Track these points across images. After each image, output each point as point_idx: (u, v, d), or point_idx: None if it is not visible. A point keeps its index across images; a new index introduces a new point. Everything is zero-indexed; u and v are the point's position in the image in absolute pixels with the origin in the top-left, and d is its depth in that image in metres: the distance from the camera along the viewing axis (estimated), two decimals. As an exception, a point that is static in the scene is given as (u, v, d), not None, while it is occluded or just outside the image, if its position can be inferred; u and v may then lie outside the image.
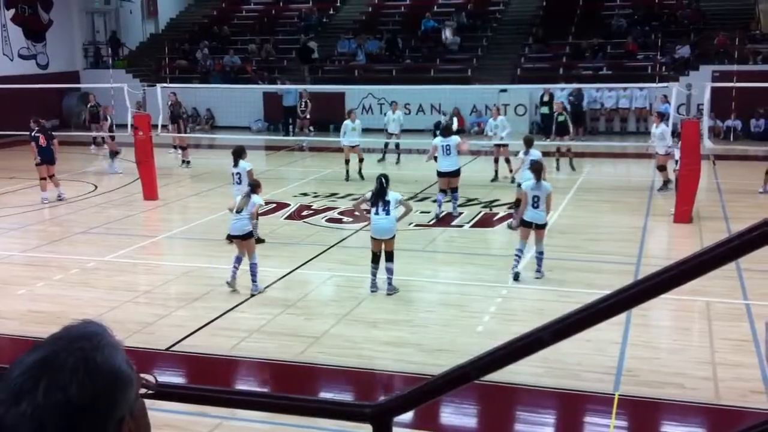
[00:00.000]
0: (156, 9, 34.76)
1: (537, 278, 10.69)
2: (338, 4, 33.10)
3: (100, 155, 23.13)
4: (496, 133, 17.65)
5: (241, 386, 7.85)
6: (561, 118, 18.69)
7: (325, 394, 7.66)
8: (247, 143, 14.87)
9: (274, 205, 15.28)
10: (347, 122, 18.25)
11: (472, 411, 7.32)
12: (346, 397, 7.76)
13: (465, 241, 13.18)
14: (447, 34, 28.62)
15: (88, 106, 24.18)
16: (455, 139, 14.51)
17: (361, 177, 17.63)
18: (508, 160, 17.34)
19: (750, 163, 19.08)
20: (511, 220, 13.70)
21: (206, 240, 13.15)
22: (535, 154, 13.02)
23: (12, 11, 27.58)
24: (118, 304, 9.96)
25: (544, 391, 7.47)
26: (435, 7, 31.05)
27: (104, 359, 1.17)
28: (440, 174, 14.37)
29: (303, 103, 24.16)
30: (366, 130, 19.60)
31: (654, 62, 25.62)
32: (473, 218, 14.41)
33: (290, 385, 7.82)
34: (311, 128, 24.65)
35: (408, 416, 6.22)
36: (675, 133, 15.88)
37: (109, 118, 20.33)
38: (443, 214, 14.23)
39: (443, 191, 14.42)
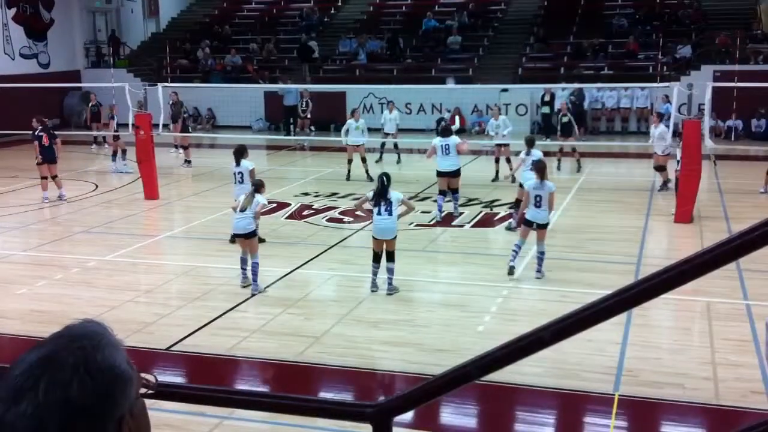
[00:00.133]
0: (157, 8, 34.77)
1: (538, 278, 10.69)
2: (339, 4, 33.10)
3: (101, 154, 23.15)
4: (497, 133, 17.64)
5: (242, 386, 7.85)
6: (565, 119, 18.68)
7: (325, 394, 7.67)
8: (248, 143, 14.85)
9: (275, 204, 15.27)
10: (351, 121, 18.20)
11: (472, 411, 7.33)
12: (346, 397, 7.76)
13: (466, 240, 13.17)
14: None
15: (89, 105, 24.19)
16: (455, 139, 14.48)
17: (369, 178, 17.24)
18: (509, 160, 17.31)
19: (751, 163, 19.08)
20: (510, 220, 13.70)
21: (207, 239, 13.16)
22: (537, 154, 13.01)
23: (13, 10, 27.58)
24: (118, 304, 9.97)
25: (544, 391, 7.47)
26: (436, 6, 31.05)
27: (104, 358, 1.17)
28: (440, 174, 14.34)
29: (304, 103, 24.16)
30: (367, 130, 19.55)
31: (655, 62, 25.63)
32: (474, 218, 14.41)
33: (290, 385, 7.82)
34: (312, 128, 24.65)
35: (408, 416, 6.22)
36: (676, 133, 15.87)
37: (116, 117, 20.40)
38: (444, 214, 14.21)
39: (443, 193, 14.36)
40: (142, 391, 1.25)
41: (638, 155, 20.92)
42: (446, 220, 14.12)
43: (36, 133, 16.45)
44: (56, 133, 17.21)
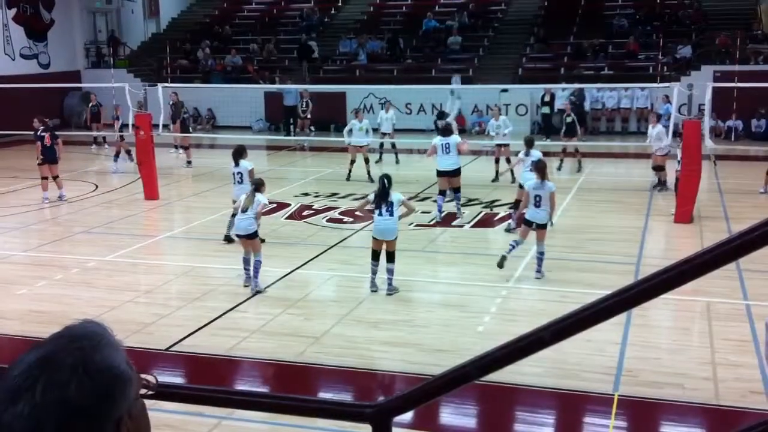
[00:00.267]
0: (157, 8, 34.77)
1: (537, 278, 10.69)
2: (339, 4, 33.10)
3: (101, 155, 23.15)
4: (498, 133, 17.64)
5: (241, 386, 7.85)
6: (569, 119, 18.69)
7: (325, 394, 7.66)
8: (248, 143, 14.86)
9: (275, 204, 15.27)
10: (354, 122, 18.16)
11: (472, 411, 7.32)
12: (346, 397, 7.76)
13: (465, 241, 13.17)
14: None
15: (90, 105, 24.19)
16: (455, 138, 14.46)
17: (370, 179, 17.19)
18: (509, 160, 17.30)
19: (751, 164, 19.08)
20: (509, 221, 13.69)
21: (207, 240, 13.15)
22: (536, 154, 13.01)
23: (14, 11, 27.59)
24: (118, 304, 9.96)
25: (544, 391, 7.47)
26: (436, 6, 31.05)
27: (103, 359, 1.17)
28: (440, 173, 14.30)
29: (304, 103, 24.15)
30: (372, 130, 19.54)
31: (655, 62, 25.63)
32: (474, 218, 14.40)
33: (290, 385, 7.82)
34: (312, 128, 24.64)
35: (408, 416, 6.22)
36: (676, 133, 15.87)
37: (120, 117, 20.41)
38: (444, 214, 14.20)
39: (442, 193, 14.33)
40: (142, 391, 1.25)
41: (638, 155, 20.92)
42: (446, 221, 14.11)
43: (38, 134, 16.45)
44: (57, 133, 17.22)
